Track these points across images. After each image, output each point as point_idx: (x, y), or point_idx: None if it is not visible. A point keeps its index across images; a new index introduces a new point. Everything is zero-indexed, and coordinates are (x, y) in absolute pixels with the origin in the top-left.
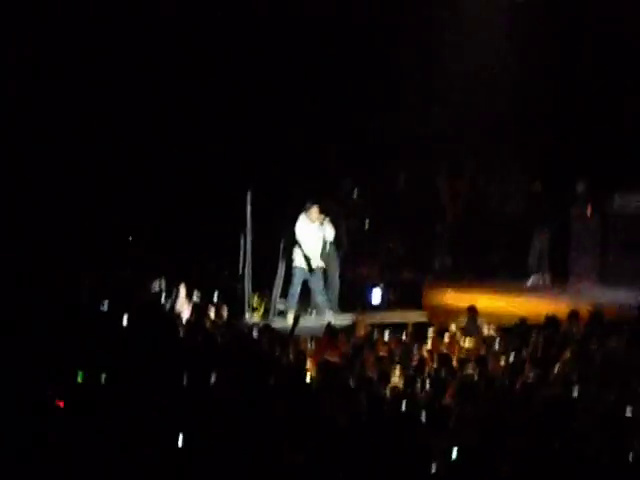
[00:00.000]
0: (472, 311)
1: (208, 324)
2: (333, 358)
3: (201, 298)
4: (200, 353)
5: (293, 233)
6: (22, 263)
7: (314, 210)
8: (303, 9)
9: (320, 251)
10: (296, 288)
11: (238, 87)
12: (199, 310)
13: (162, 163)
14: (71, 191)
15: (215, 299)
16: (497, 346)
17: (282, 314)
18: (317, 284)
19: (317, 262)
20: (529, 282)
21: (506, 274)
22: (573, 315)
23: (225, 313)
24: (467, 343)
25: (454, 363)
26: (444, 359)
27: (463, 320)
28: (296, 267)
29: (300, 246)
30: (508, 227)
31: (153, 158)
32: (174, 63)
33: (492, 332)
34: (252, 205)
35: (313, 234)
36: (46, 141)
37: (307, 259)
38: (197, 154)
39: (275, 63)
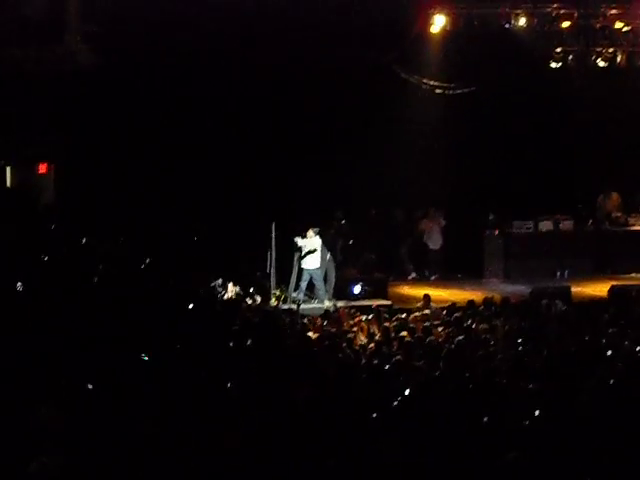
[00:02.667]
0: (427, 297)
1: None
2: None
3: (242, 291)
4: (240, 326)
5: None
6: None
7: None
8: None
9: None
10: (304, 283)
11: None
12: (240, 299)
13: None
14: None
15: (251, 291)
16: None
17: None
18: (319, 280)
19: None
20: None
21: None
22: (487, 300)
23: (258, 300)
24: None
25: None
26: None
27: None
28: (305, 269)
29: (310, 253)
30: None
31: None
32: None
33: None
34: (275, 230)
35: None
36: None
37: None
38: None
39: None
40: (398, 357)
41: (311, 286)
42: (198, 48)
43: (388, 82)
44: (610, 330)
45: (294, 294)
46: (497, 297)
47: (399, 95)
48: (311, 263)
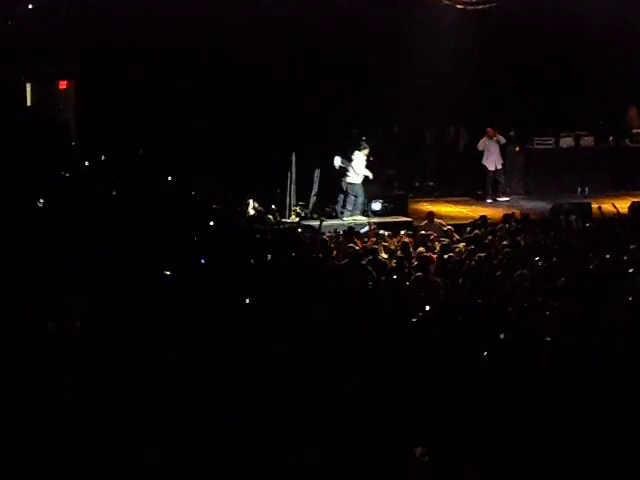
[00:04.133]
0: (430, 214)
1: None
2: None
3: (262, 207)
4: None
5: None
6: None
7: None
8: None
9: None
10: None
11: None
12: (261, 214)
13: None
14: None
15: (272, 208)
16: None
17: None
18: (360, 195)
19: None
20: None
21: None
22: (507, 216)
23: (277, 216)
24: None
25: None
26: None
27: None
28: (351, 183)
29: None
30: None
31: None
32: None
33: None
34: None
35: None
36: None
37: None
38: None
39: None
40: (419, 274)
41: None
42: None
43: None
44: (631, 247)
45: (343, 209)
46: (517, 213)
47: (420, 11)
48: (353, 178)
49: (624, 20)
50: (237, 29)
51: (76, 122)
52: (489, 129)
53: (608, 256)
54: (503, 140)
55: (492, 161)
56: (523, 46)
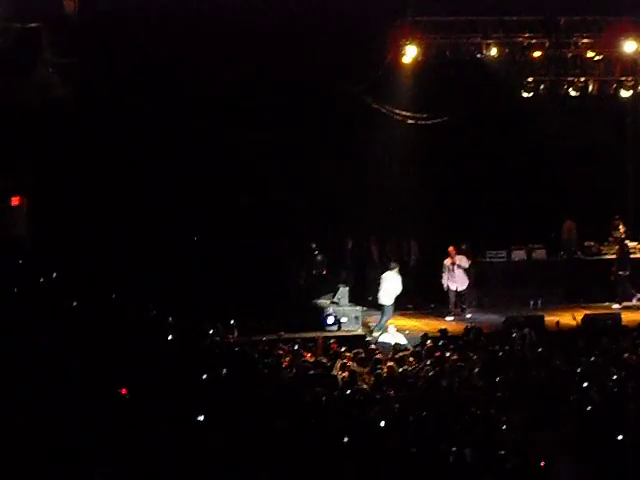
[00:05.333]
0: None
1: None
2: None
3: None
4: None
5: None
6: None
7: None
8: None
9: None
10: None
11: None
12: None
13: None
14: None
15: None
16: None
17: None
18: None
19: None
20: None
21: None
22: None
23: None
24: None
25: None
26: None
27: None
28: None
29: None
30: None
31: None
32: None
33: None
34: None
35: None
36: None
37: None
38: None
39: None
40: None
41: None
42: (170, 78)
43: (359, 112)
44: (584, 359)
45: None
46: (472, 327)
47: (370, 125)
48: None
49: (577, 133)
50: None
51: (29, 237)
52: (450, 249)
53: (562, 369)
54: (465, 264)
55: (455, 282)
56: (474, 160)
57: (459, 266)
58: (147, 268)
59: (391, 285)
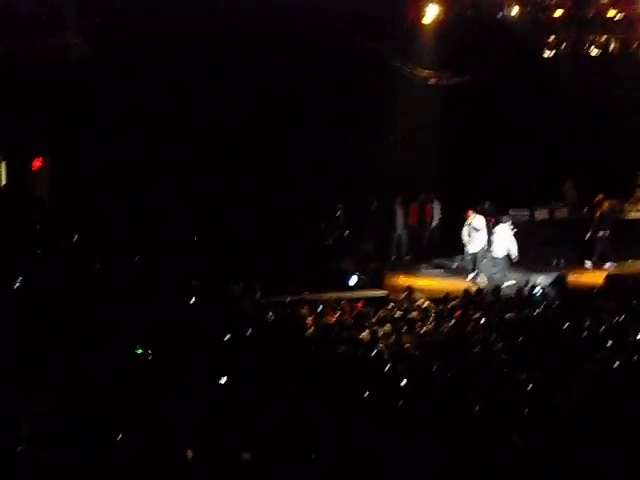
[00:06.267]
0: (409, 289)
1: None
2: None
3: None
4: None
5: None
6: None
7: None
8: None
9: None
10: None
11: None
12: None
13: None
14: None
15: None
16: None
17: None
18: None
19: None
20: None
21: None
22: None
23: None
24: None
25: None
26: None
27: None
28: None
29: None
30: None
31: None
32: None
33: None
34: None
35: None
36: None
37: None
38: None
39: None
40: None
41: None
42: (193, 46)
43: (381, 72)
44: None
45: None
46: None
47: (391, 85)
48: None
49: (597, 92)
50: None
51: (50, 199)
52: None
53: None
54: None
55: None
56: (497, 119)
57: (474, 228)
58: (169, 231)
59: (502, 237)
